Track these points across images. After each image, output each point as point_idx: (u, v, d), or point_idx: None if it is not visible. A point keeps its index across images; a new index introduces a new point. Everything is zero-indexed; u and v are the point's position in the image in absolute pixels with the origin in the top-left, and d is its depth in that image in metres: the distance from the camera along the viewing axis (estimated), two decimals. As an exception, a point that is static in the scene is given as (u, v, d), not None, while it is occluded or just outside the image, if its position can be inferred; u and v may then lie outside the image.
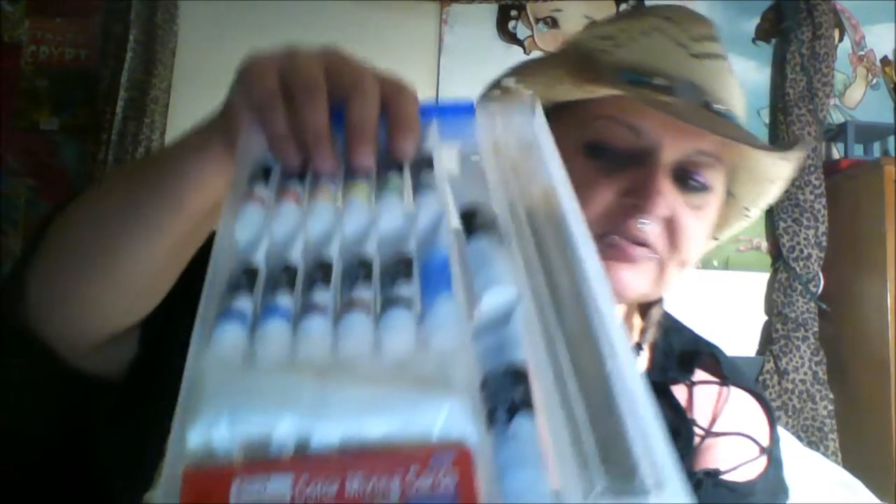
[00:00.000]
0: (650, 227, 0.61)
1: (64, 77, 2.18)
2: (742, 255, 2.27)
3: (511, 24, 2.32)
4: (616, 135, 0.62)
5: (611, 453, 0.28)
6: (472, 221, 0.39)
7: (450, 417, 0.28)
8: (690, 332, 0.77)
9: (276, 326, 0.32)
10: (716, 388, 0.72)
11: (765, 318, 2.18)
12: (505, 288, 0.35)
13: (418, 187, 0.40)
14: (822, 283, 2.12)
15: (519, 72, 0.69)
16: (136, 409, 0.57)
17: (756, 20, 2.34)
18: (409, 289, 0.34)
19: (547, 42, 2.30)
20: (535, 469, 0.28)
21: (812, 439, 2.02)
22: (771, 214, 2.19)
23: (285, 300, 0.33)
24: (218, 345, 0.31)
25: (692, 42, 0.65)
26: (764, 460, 0.71)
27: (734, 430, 0.70)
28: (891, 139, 2.37)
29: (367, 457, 0.27)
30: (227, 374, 0.30)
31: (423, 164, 0.41)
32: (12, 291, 0.54)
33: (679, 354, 0.73)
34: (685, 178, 0.63)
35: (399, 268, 0.35)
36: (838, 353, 2.11)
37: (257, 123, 0.41)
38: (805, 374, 2.08)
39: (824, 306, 2.12)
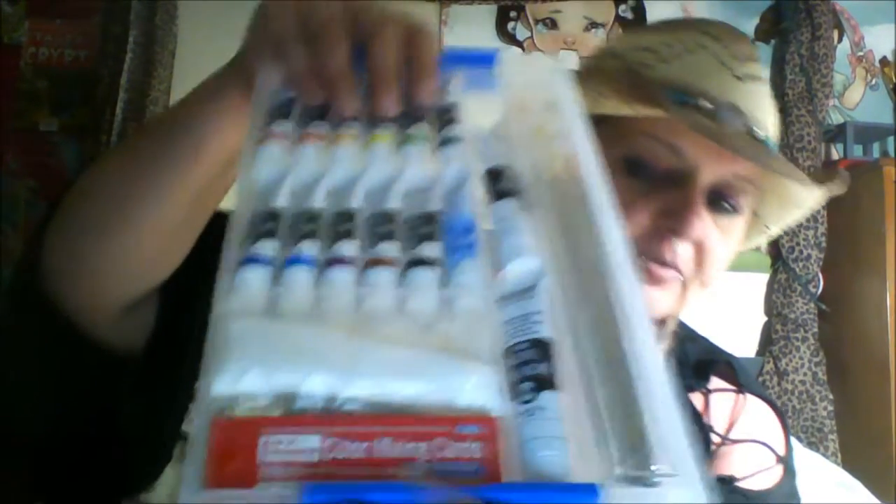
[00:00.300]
0: (682, 250, 0.61)
1: (63, 78, 2.18)
2: (741, 255, 2.26)
3: (510, 25, 2.32)
4: (656, 153, 0.62)
5: (628, 434, 0.29)
6: (497, 183, 0.38)
7: (477, 387, 0.28)
8: (705, 340, 0.77)
9: (300, 276, 0.32)
10: (732, 395, 0.72)
11: (764, 318, 2.18)
12: (530, 258, 0.35)
13: (442, 140, 0.39)
14: (821, 283, 2.12)
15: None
16: (158, 378, 0.55)
17: (755, 21, 2.35)
18: (433, 249, 0.33)
19: (546, 43, 2.30)
20: (558, 445, 0.28)
21: (812, 440, 2.02)
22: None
23: (310, 249, 0.33)
24: (242, 290, 0.31)
25: (735, 62, 0.64)
26: (780, 470, 0.71)
27: (751, 438, 0.70)
28: (890, 140, 2.37)
29: (395, 420, 0.27)
30: (254, 323, 0.30)
31: (447, 116, 0.40)
32: (31, 260, 0.52)
33: (695, 363, 0.73)
34: (718, 200, 0.63)
35: (424, 226, 0.34)
36: (838, 354, 2.11)
37: (276, 61, 0.40)
38: (805, 374, 2.08)
39: (824, 307, 2.12)
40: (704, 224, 0.61)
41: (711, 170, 0.61)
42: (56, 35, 2.20)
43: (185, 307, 0.53)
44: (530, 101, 0.43)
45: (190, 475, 0.25)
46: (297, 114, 0.39)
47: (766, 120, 0.66)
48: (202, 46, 2.14)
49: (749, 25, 2.34)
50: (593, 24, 2.30)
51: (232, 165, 0.47)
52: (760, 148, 0.63)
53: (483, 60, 0.44)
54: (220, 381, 0.27)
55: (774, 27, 2.32)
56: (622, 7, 2.30)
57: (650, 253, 0.61)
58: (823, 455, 1.95)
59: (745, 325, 2.16)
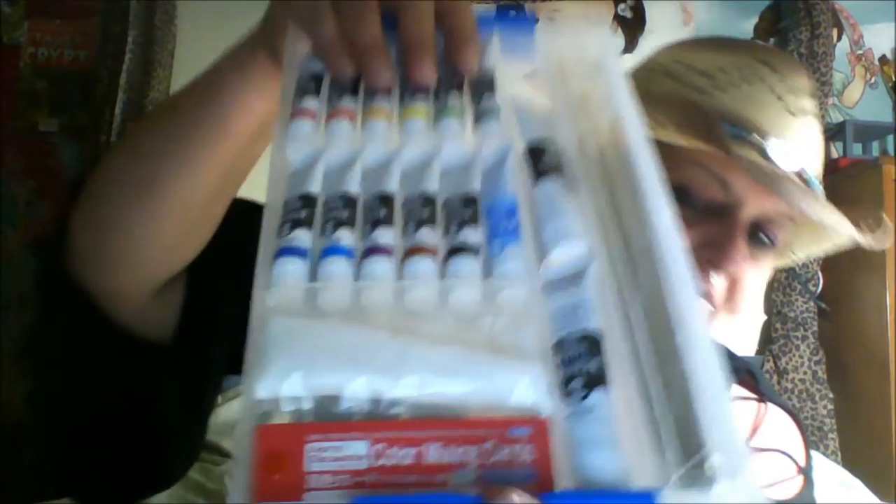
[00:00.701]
0: (716, 282, 0.61)
1: (63, 78, 2.18)
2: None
3: (510, 24, 2.32)
4: (704, 185, 0.61)
5: (685, 435, 0.27)
6: (540, 161, 0.35)
7: (526, 386, 0.27)
8: (726, 349, 0.77)
9: (338, 268, 0.30)
10: (754, 404, 0.72)
11: (764, 317, 2.18)
12: (577, 242, 0.32)
13: (480, 114, 0.36)
14: (821, 282, 2.12)
15: None
16: (185, 367, 0.54)
17: (754, 19, 2.35)
18: (475, 234, 0.31)
19: (546, 42, 2.30)
20: (611, 448, 0.27)
21: (812, 438, 2.02)
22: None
23: (347, 238, 0.31)
24: (280, 285, 0.29)
25: (791, 96, 0.64)
26: (800, 480, 0.71)
27: (772, 447, 0.70)
28: (889, 138, 2.37)
29: (443, 424, 0.26)
30: (294, 323, 0.28)
31: (484, 86, 0.37)
32: (57, 243, 0.51)
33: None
34: (757, 233, 0.63)
35: (464, 209, 0.32)
36: (838, 353, 2.11)
37: (303, 30, 0.37)
38: (804, 373, 2.08)
39: (823, 305, 2.12)
40: (743, 258, 0.61)
41: (756, 205, 0.62)
42: (55, 35, 2.20)
43: (211, 294, 0.53)
44: (572, 67, 0.40)
45: (236, 486, 0.24)
46: (326, 87, 0.37)
47: (815, 157, 0.66)
48: (201, 46, 2.14)
49: (748, 24, 2.34)
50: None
51: (259, 137, 0.46)
52: (807, 192, 0.62)
53: (520, 23, 0.40)
54: (262, 384, 0.26)
55: (774, 26, 2.32)
56: (621, 6, 2.30)
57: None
58: (823, 454, 1.95)
59: (745, 324, 2.16)
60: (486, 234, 0.31)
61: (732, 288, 0.63)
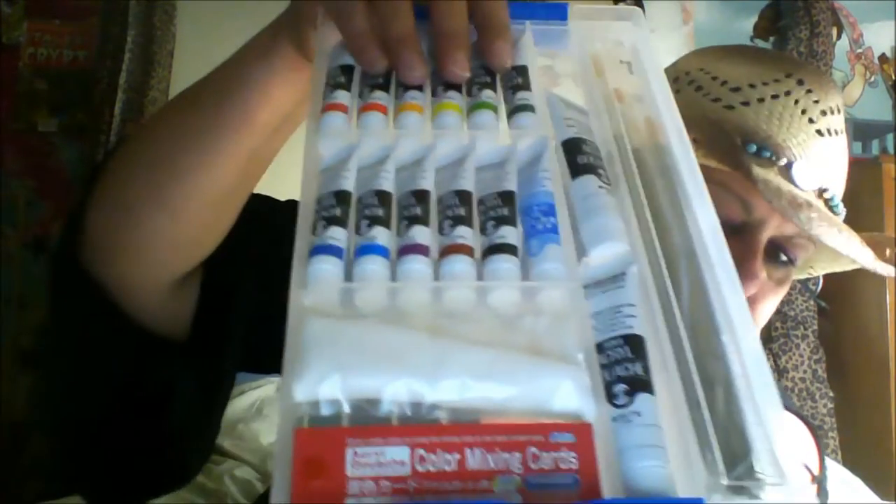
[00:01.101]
0: None
1: (62, 78, 2.18)
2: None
3: (509, 23, 2.32)
4: (726, 204, 0.61)
5: (733, 440, 0.27)
6: (576, 157, 0.34)
7: (569, 390, 0.26)
8: None
9: (374, 267, 0.29)
10: None
11: (764, 316, 2.19)
12: (616, 243, 0.32)
13: (514, 109, 0.35)
14: (821, 281, 2.12)
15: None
16: (201, 364, 0.53)
17: (754, 18, 2.34)
18: (512, 233, 0.30)
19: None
20: (656, 454, 0.26)
21: (812, 437, 2.03)
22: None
23: (382, 236, 0.30)
24: (316, 284, 0.28)
25: (820, 116, 0.63)
26: (814, 490, 0.71)
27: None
28: (889, 137, 2.37)
29: (485, 429, 0.25)
30: (332, 324, 0.27)
31: (518, 80, 0.36)
32: (72, 236, 0.49)
33: None
34: (776, 253, 0.63)
35: (501, 207, 0.31)
36: (838, 351, 2.11)
37: (334, 22, 0.36)
38: (805, 372, 2.08)
39: (824, 304, 2.12)
40: (760, 278, 0.61)
41: (776, 226, 0.61)
42: (55, 35, 2.20)
43: (227, 291, 0.52)
44: (607, 60, 0.39)
45: (277, 491, 0.23)
46: (357, 80, 0.35)
47: (840, 177, 0.65)
48: (200, 46, 2.14)
49: (748, 23, 2.34)
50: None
51: (281, 129, 0.45)
52: (826, 217, 0.61)
53: (553, 13, 0.39)
54: (300, 387, 0.26)
55: (773, 25, 2.32)
56: (621, 4, 2.30)
57: None
58: (824, 453, 1.95)
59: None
60: (524, 232, 0.31)
61: (751, 306, 0.63)
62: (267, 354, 0.52)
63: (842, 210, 0.66)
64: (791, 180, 0.61)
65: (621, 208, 0.32)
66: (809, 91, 0.64)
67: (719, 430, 0.27)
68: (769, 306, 0.64)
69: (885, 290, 1.98)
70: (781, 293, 0.65)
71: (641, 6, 2.36)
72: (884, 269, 0.66)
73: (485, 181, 0.32)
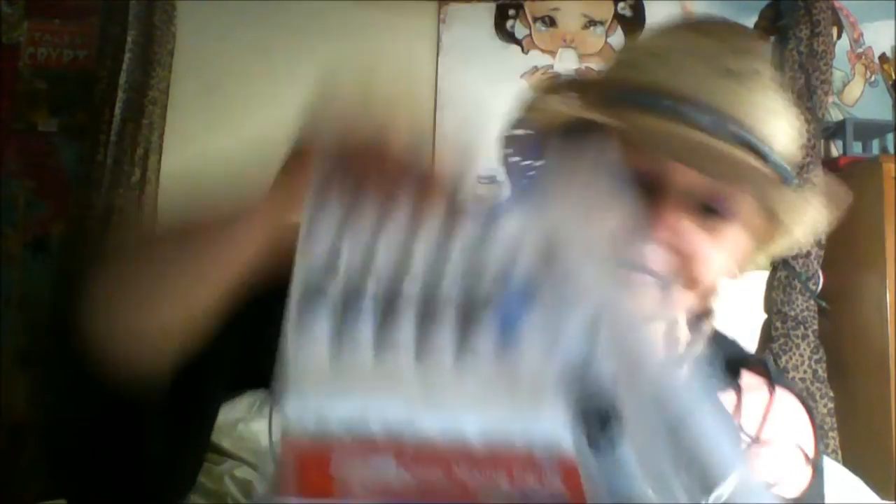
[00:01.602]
0: (655, 254, 0.61)
1: (62, 78, 2.18)
2: (741, 253, 2.27)
3: (509, 23, 2.32)
4: (633, 158, 0.60)
5: (691, 461, 0.31)
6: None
7: (550, 421, 0.29)
8: (736, 343, 0.77)
9: (360, 358, 0.33)
10: (765, 391, 0.71)
11: (764, 316, 2.18)
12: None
13: (487, 218, 0.41)
14: (821, 280, 2.12)
15: (556, 87, 0.68)
16: (180, 412, 0.58)
17: (754, 18, 2.34)
18: (487, 335, 0.34)
19: (545, 41, 2.30)
20: (634, 480, 0.30)
21: (812, 437, 2.02)
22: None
23: (366, 332, 0.34)
24: (307, 344, 0.33)
25: (726, 58, 0.62)
26: (809, 472, 0.70)
27: (782, 437, 0.69)
28: (889, 136, 2.37)
29: (469, 450, 0.28)
30: (322, 358, 0.32)
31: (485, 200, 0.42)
32: (79, 318, 0.56)
33: (726, 362, 0.72)
34: (700, 203, 0.62)
35: (477, 303, 0.35)
36: (838, 351, 2.11)
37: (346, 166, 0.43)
38: (805, 372, 2.08)
39: (824, 304, 2.12)
40: (676, 228, 0.61)
41: (684, 175, 0.60)
42: (55, 35, 2.20)
43: (207, 349, 0.56)
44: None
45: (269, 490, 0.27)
46: (345, 192, 0.42)
47: (756, 116, 0.63)
48: (201, 46, 2.14)
49: (748, 22, 2.34)
50: (592, 22, 2.30)
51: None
52: (728, 155, 0.60)
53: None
54: (292, 404, 0.29)
55: (773, 24, 2.32)
56: (621, 5, 2.30)
57: (624, 255, 0.60)
58: (824, 452, 1.95)
59: (744, 323, 2.17)
60: (499, 330, 0.34)
61: (682, 260, 0.62)
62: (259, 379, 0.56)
63: (786, 169, 0.63)
64: (696, 126, 0.60)
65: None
66: (716, 38, 0.64)
67: (679, 452, 0.31)
68: (705, 259, 0.62)
69: (885, 290, 1.98)
70: (724, 245, 0.64)
71: (641, 5, 2.36)
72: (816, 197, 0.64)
73: (465, 281, 0.38)
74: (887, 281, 1.97)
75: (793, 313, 2.11)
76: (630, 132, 0.60)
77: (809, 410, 0.74)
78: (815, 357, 2.10)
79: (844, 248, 2.11)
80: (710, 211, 0.62)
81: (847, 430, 2.05)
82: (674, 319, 0.70)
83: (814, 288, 2.12)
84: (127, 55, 2.04)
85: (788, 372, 2.08)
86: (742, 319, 2.22)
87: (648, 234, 0.60)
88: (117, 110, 2.02)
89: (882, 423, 1.94)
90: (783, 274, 2.14)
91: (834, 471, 1.79)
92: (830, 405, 2.06)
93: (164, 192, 2.05)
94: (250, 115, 2.10)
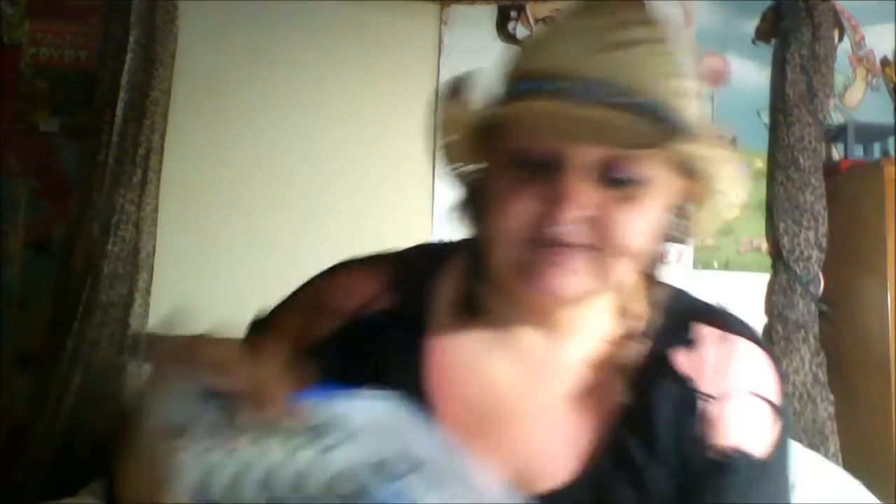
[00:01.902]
0: (569, 230, 0.62)
1: (64, 78, 2.18)
2: (742, 256, 2.27)
3: (511, 24, 2.32)
4: (531, 143, 0.63)
5: None
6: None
7: None
8: (691, 295, 0.77)
9: None
10: (719, 341, 0.71)
11: (765, 319, 2.18)
12: None
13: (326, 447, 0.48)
14: (822, 284, 2.12)
15: (460, 91, 0.70)
16: None
17: (755, 21, 2.34)
18: None
19: (547, 43, 2.30)
20: None
21: (813, 441, 2.02)
22: (771, 215, 2.19)
23: None
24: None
25: (599, 34, 0.64)
26: (776, 418, 0.70)
27: (742, 390, 0.69)
28: (891, 140, 2.37)
29: None
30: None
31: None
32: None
33: (682, 316, 0.72)
34: (607, 174, 0.63)
35: None
36: (839, 355, 2.11)
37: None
38: (805, 375, 2.08)
39: (825, 308, 2.12)
40: (584, 202, 0.62)
41: (581, 150, 0.62)
42: (56, 36, 2.20)
43: None
44: None
45: None
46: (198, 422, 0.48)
47: (644, 81, 0.63)
48: (203, 47, 2.14)
49: (749, 25, 2.34)
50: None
51: None
52: (614, 122, 0.61)
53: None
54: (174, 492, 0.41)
55: (775, 27, 2.32)
56: (623, 7, 2.30)
57: (540, 237, 0.63)
58: (824, 456, 1.95)
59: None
60: None
61: (600, 231, 0.63)
62: None
63: (682, 124, 0.64)
64: (580, 100, 0.61)
65: None
66: (598, 17, 0.65)
67: None
68: (625, 227, 0.64)
69: (886, 294, 1.98)
70: (642, 211, 0.65)
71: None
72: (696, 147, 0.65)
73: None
74: (888, 284, 1.97)
75: (793, 317, 2.11)
76: (523, 119, 0.63)
77: (771, 357, 0.74)
78: (816, 360, 2.09)
79: (845, 251, 2.10)
80: (617, 180, 0.63)
81: (848, 434, 2.04)
82: (621, 291, 0.71)
83: (815, 291, 2.11)
84: (129, 55, 2.04)
85: (789, 376, 2.08)
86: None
87: (559, 211, 0.62)
88: (119, 111, 2.01)
89: (883, 426, 1.94)
90: (784, 277, 2.14)
91: (834, 474, 1.79)
92: (831, 409, 2.06)
93: (166, 193, 2.05)
94: (252, 116, 2.10)
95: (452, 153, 0.73)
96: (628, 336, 0.71)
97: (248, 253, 2.04)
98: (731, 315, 0.75)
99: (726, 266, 2.26)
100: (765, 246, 2.25)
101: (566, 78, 0.62)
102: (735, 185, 0.70)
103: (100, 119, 2.03)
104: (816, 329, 2.11)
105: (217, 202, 2.09)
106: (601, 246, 0.64)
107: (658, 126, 0.61)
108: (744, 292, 2.19)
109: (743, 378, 0.70)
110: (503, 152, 0.65)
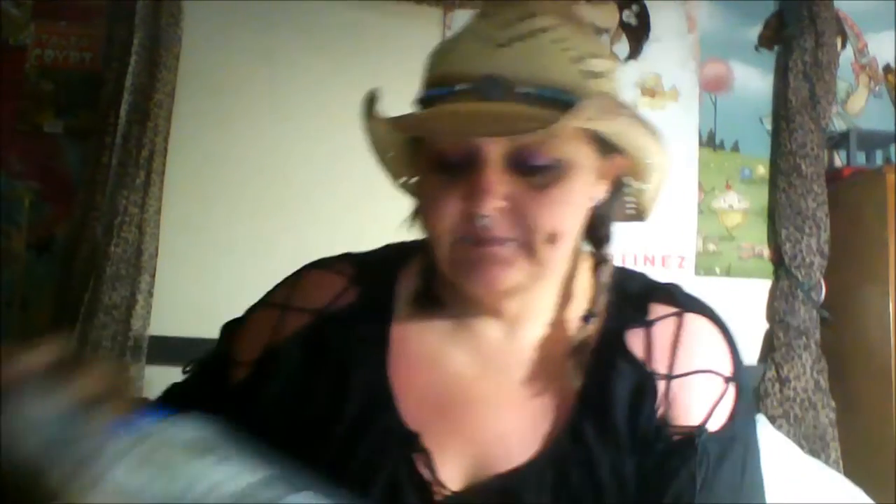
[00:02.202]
0: (492, 223, 0.64)
1: (68, 80, 2.18)
2: (744, 262, 2.27)
3: (514, 30, 2.32)
4: (447, 145, 0.66)
5: None
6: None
7: None
8: (645, 276, 0.78)
9: None
10: (672, 319, 0.72)
11: (766, 325, 2.18)
12: None
13: None
14: (824, 291, 2.12)
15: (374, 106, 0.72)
16: None
17: (759, 28, 2.35)
18: None
19: (550, 48, 2.30)
20: None
21: (814, 447, 2.02)
22: (773, 222, 2.19)
23: None
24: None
25: (500, 31, 0.66)
26: (732, 390, 0.70)
27: (695, 365, 0.69)
28: (893, 147, 2.37)
29: None
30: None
31: None
32: None
33: (634, 296, 0.73)
34: (520, 163, 0.64)
35: None
36: (840, 361, 2.11)
37: None
38: (807, 382, 2.08)
39: (826, 314, 2.12)
40: (502, 194, 0.64)
41: (489, 145, 0.64)
42: (61, 37, 2.20)
43: None
44: None
45: None
46: None
47: (544, 68, 0.65)
48: (207, 49, 2.15)
49: (753, 31, 2.34)
50: (597, 30, 2.30)
51: None
52: (514, 112, 0.63)
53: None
54: None
55: (778, 34, 2.32)
56: (626, 13, 2.30)
57: (467, 234, 0.65)
58: (825, 462, 1.94)
59: (747, 332, 2.16)
60: None
61: (522, 220, 0.65)
62: None
63: (580, 102, 0.63)
64: (478, 98, 0.64)
65: None
66: (489, 17, 0.68)
67: None
68: (546, 212, 0.65)
69: (887, 300, 1.97)
70: (560, 195, 0.66)
71: (646, 13, 2.36)
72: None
73: None
74: (890, 290, 1.97)
75: (795, 323, 2.11)
76: (433, 124, 0.65)
77: (724, 330, 0.74)
78: (817, 367, 2.09)
79: (847, 257, 2.10)
80: (533, 168, 0.65)
81: (849, 440, 2.04)
82: (561, 276, 0.73)
83: (816, 298, 2.11)
84: (133, 57, 2.04)
85: (790, 382, 2.07)
86: (744, 329, 2.22)
87: (480, 207, 0.63)
88: (123, 112, 2.02)
89: (883, 432, 1.94)
90: (786, 283, 2.14)
91: (835, 481, 1.78)
92: (832, 415, 2.06)
93: (169, 195, 2.05)
94: (255, 119, 2.10)
95: (393, 169, 0.76)
96: (578, 318, 0.72)
97: (250, 255, 2.04)
98: (685, 293, 0.75)
99: (728, 272, 2.25)
100: (767, 252, 2.25)
101: (471, 78, 0.64)
102: (663, 155, 0.71)
103: (104, 121, 2.03)
104: (818, 335, 2.11)
105: (220, 204, 2.09)
106: (527, 234, 0.65)
107: (562, 110, 0.62)
108: (746, 298, 2.20)
109: (698, 355, 0.70)
110: (427, 159, 0.68)
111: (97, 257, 1.96)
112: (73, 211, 2.04)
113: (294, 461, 0.52)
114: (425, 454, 0.67)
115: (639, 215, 0.79)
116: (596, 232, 0.74)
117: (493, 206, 0.63)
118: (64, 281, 2.00)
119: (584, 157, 0.67)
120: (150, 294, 1.98)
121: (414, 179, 0.76)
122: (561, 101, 0.63)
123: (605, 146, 0.69)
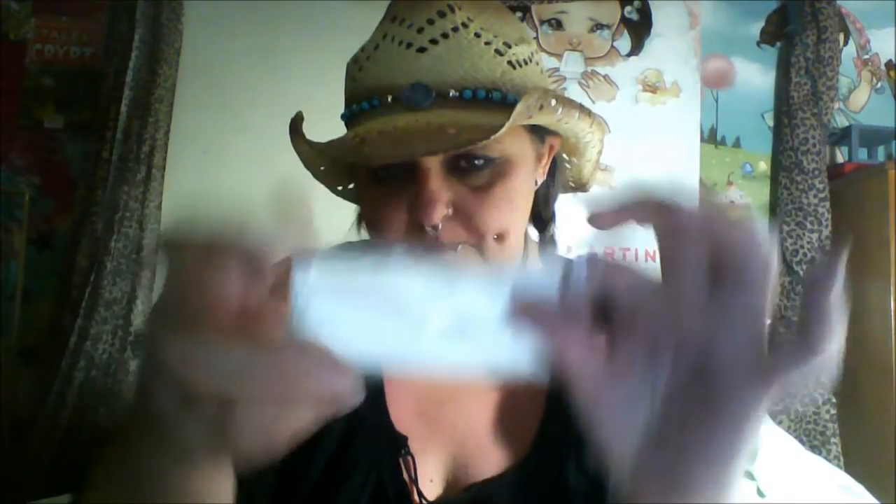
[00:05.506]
0: (440, 229, 0.62)
1: (69, 75, 2.18)
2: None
3: (515, 25, 2.32)
4: (380, 161, 0.63)
5: None
6: None
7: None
8: (563, 258, 0.77)
9: None
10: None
11: (767, 321, 2.18)
12: None
13: None
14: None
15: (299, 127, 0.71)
16: None
17: (761, 24, 2.34)
18: None
19: (551, 44, 2.30)
20: None
21: (814, 443, 2.02)
22: (774, 218, 2.18)
23: None
24: None
25: (417, 35, 0.63)
26: None
27: None
28: (894, 143, 2.36)
29: None
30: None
31: None
32: None
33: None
34: (456, 166, 0.63)
35: None
36: (841, 357, 2.11)
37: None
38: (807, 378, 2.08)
39: (827, 310, 2.11)
40: (445, 200, 0.62)
41: (427, 153, 0.62)
42: (62, 32, 2.20)
43: None
44: None
45: None
46: None
47: (469, 65, 0.63)
48: (207, 44, 2.15)
49: (755, 27, 2.34)
50: (599, 26, 2.30)
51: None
52: (438, 119, 0.61)
53: None
54: None
55: (780, 30, 2.32)
56: (628, 8, 2.30)
57: (421, 245, 0.63)
58: (825, 458, 1.94)
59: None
60: None
61: (468, 221, 0.63)
62: None
63: (514, 91, 0.63)
64: (404, 107, 0.62)
65: None
66: (401, 21, 0.65)
67: None
68: (489, 209, 0.63)
69: (888, 297, 1.97)
70: (501, 189, 0.64)
71: (647, 9, 2.36)
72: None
73: None
74: (892, 286, 1.97)
75: (796, 319, 2.11)
76: (367, 150, 0.61)
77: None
78: (818, 363, 2.09)
79: (849, 253, 2.10)
80: (469, 170, 0.63)
81: (849, 436, 2.04)
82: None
83: (817, 294, 2.11)
84: (134, 53, 2.04)
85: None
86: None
87: (425, 216, 0.61)
88: (123, 108, 2.02)
89: (884, 429, 1.94)
90: (787, 280, 2.14)
91: (835, 477, 1.78)
92: (833, 411, 2.06)
93: (169, 190, 2.05)
94: (256, 114, 2.10)
95: (327, 181, 0.75)
96: None
97: (251, 251, 2.04)
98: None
99: (729, 268, 2.26)
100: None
101: (396, 88, 0.62)
102: (597, 130, 0.69)
103: (104, 116, 2.04)
104: (819, 332, 2.11)
105: (220, 200, 2.10)
106: (476, 237, 0.63)
107: (495, 109, 0.61)
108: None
109: None
110: (364, 171, 0.66)
111: (98, 252, 1.96)
112: (73, 206, 2.04)
113: (288, 459, 0.48)
114: (410, 458, 0.66)
115: (579, 187, 0.77)
116: (540, 214, 0.73)
117: (439, 213, 0.62)
118: (65, 275, 2.00)
119: (522, 149, 0.66)
120: (151, 289, 1.99)
121: (351, 185, 0.74)
122: (493, 101, 0.62)
123: (541, 132, 0.67)
